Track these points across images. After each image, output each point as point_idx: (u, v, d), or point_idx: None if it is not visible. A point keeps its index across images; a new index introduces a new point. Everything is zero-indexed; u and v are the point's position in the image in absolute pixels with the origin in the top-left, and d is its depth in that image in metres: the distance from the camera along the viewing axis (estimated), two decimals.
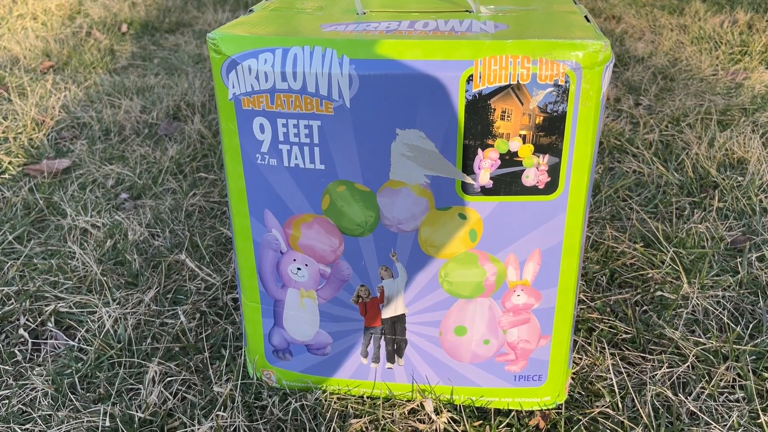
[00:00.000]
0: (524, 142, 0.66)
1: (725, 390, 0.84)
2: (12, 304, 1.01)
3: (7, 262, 1.11)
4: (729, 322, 0.96)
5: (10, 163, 1.45)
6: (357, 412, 0.81)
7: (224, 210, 1.26)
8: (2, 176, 1.40)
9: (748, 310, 0.99)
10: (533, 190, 0.69)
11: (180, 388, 0.85)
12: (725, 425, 0.79)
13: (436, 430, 0.78)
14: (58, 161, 1.44)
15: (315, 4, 0.83)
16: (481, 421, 0.80)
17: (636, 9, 2.76)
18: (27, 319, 0.97)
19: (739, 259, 1.10)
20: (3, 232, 1.19)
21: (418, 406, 0.81)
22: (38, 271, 1.08)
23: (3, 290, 1.03)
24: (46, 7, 2.72)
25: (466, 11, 0.78)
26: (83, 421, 0.80)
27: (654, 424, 0.79)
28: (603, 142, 1.53)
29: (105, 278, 1.06)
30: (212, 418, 0.79)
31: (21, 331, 0.95)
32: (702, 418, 0.80)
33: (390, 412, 0.81)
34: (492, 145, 0.67)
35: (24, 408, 0.83)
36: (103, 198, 1.31)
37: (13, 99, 1.76)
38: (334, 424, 0.79)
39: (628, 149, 1.49)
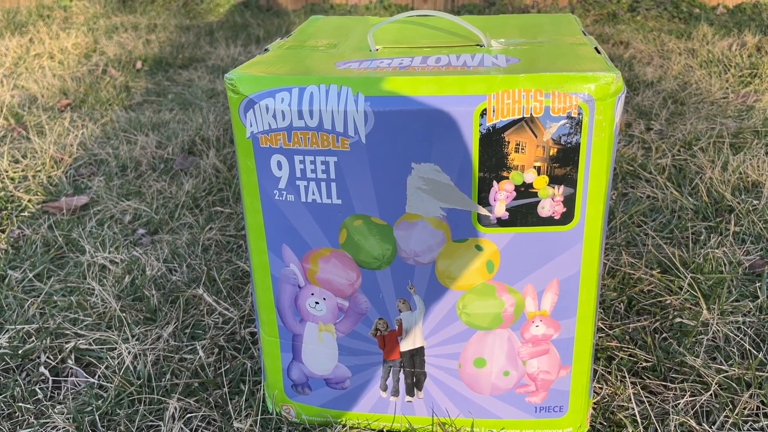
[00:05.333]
0: (539, 174, 0.67)
1: (749, 418, 0.83)
2: (33, 341, 1.01)
3: (28, 300, 1.12)
4: (751, 348, 0.95)
5: (29, 200, 1.47)
6: None
7: (240, 243, 1.27)
8: (22, 214, 1.42)
9: None
10: (549, 221, 0.69)
11: (200, 424, 0.85)
12: None
13: None
14: (76, 198, 1.47)
15: (327, 41, 0.85)
16: None
17: (643, 34, 2.78)
18: (47, 357, 0.98)
19: (758, 284, 1.09)
20: (23, 270, 1.21)
21: None
22: (58, 308, 1.09)
23: (24, 328, 1.04)
24: (62, 46, 2.78)
25: (478, 45, 0.79)
26: None
27: None
28: (615, 167, 1.53)
29: (124, 314, 1.07)
30: None
31: (42, 368, 0.96)
32: None
33: None
34: (507, 177, 0.67)
35: None
36: (121, 234, 1.33)
37: (31, 137, 1.79)
38: None
39: (641, 174, 1.49)
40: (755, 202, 1.34)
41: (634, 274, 1.12)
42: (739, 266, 1.14)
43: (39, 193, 1.50)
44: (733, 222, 1.27)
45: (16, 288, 1.16)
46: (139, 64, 2.58)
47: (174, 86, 2.35)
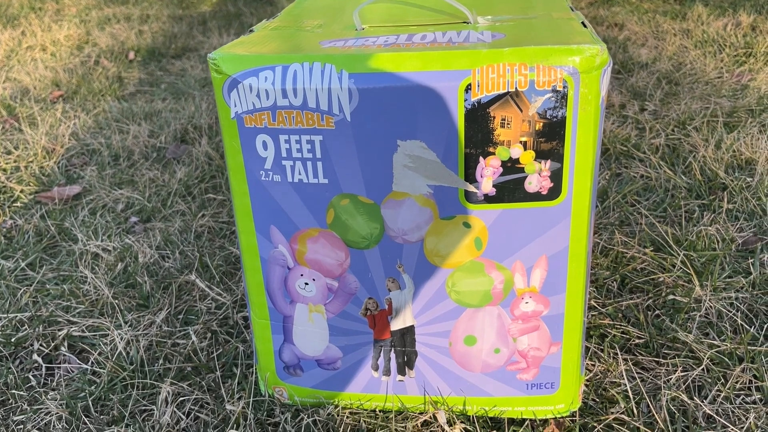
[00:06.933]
0: (525, 149, 0.67)
1: (741, 392, 0.83)
2: (26, 329, 1.01)
3: (21, 289, 1.12)
4: (743, 323, 0.95)
5: (21, 191, 1.47)
6: (370, 426, 0.81)
7: (233, 230, 1.27)
8: (14, 204, 1.42)
9: (762, 311, 0.97)
10: (537, 196, 0.69)
11: (193, 407, 0.85)
12: (742, 428, 0.78)
13: None
14: (68, 188, 1.46)
15: (315, 22, 0.84)
16: (495, 431, 0.79)
17: (638, 16, 2.77)
18: (41, 344, 0.98)
19: (751, 260, 1.09)
20: (16, 260, 1.20)
21: (430, 418, 0.81)
22: (51, 297, 1.09)
23: (17, 316, 1.04)
24: (54, 38, 2.76)
25: (464, 22, 0.78)
26: None
27: (670, 428, 0.78)
28: (609, 148, 1.53)
29: (116, 301, 1.07)
30: None
31: (35, 356, 0.96)
32: (719, 421, 0.79)
33: (403, 425, 0.80)
34: (493, 153, 0.67)
35: None
36: (114, 222, 1.32)
37: (23, 129, 1.79)
38: None
39: (634, 154, 1.49)
40: (749, 179, 1.33)
41: (627, 253, 1.12)
42: (732, 243, 1.14)
43: (31, 184, 1.50)
44: (726, 199, 1.27)
45: (8, 277, 1.15)
46: (131, 55, 2.57)
47: (167, 76, 2.34)
